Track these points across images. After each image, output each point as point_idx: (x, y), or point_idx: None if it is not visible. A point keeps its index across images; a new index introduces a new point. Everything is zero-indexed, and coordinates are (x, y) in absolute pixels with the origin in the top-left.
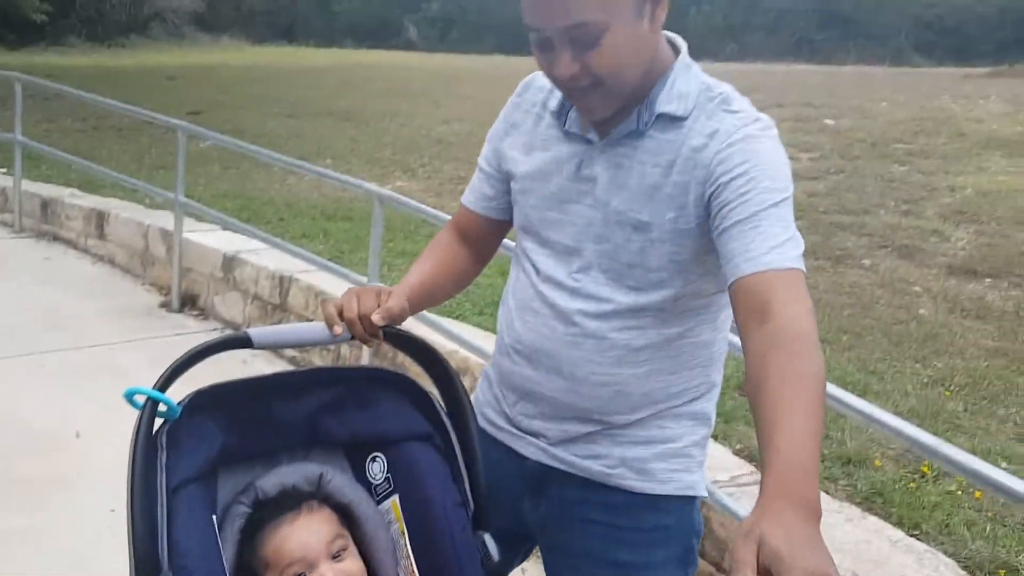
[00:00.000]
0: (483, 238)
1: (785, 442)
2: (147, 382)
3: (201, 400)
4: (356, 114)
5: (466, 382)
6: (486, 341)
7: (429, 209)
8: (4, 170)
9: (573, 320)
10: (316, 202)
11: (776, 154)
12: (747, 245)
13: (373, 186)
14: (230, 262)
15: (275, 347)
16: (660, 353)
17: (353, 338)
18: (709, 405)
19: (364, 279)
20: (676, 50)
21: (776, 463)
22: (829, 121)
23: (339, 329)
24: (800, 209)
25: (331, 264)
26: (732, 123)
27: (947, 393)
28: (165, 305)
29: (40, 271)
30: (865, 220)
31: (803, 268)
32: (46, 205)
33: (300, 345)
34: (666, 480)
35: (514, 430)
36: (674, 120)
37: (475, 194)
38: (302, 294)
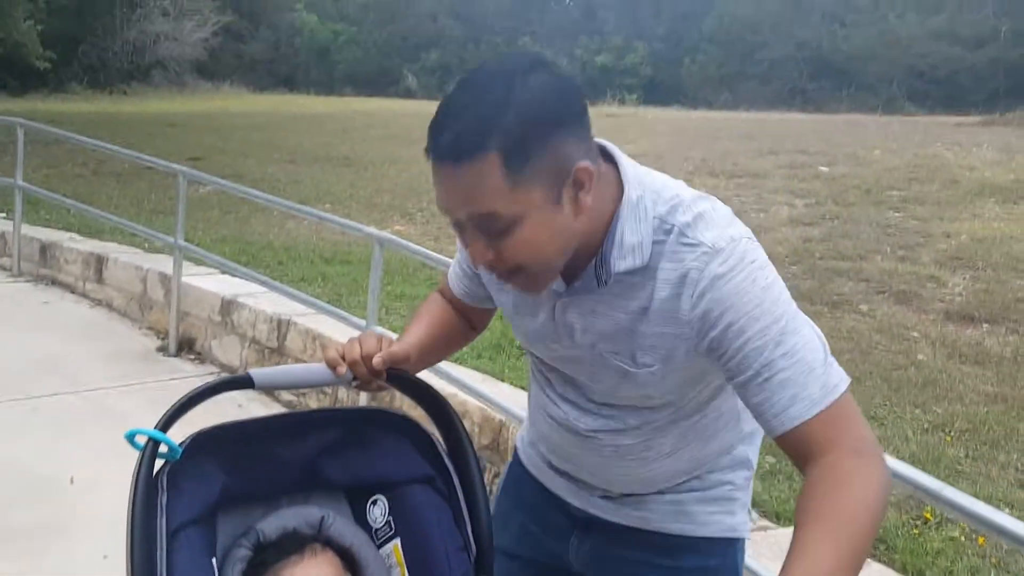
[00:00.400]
0: (475, 316)
1: (802, 571)
2: (143, 426)
3: (201, 441)
4: (355, 160)
5: (465, 424)
6: (484, 384)
7: (430, 252)
8: (3, 215)
9: (587, 436)
10: (315, 246)
11: (751, 285)
12: (769, 400)
13: (373, 229)
14: (228, 306)
15: (276, 388)
16: (681, 441)
17: (355, 380)
18: (748, 448)
19: (363, 322)
20: (621, 179)
21: None
22: (823, 168)
23: (342, 369)
24: (796, 254)
25: (330, 307)
26: (695, 264)
27: (947, 439)
28: (162, 349)
29: (38, 315)
30: (862, 266)
31: (839, 389)
32: (45, 249)
33: (302, 386)
34: (707, 523)
35: (557, 476)
36: (635, 271)
37: (461, 285)
38: (300, 337)
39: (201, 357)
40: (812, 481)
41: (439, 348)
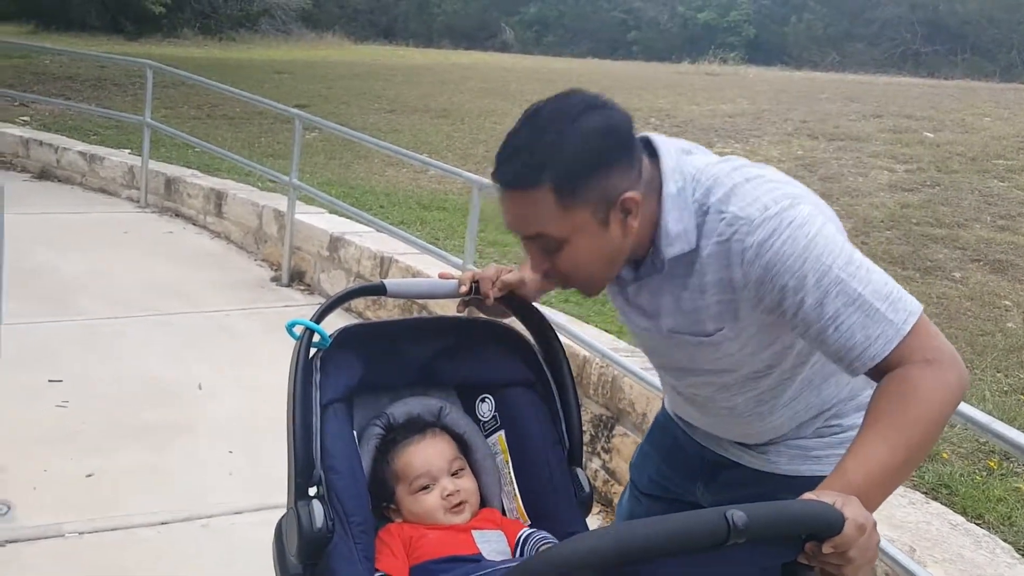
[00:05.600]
0: None
1: (855, 466)
2: (262, 346)
3: (346, 335)
4: (452, 111)
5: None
6: (571, 324)
7: None
8: (129, 151)
9: (696, 395)
10: (413, 193)
11: (792, 246)
12: (844, 347)
13: (472, 175)
14: (336, 242)
15: (405, 296)
16: (793, 392)
17: (471, 294)
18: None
19: (460, 261)
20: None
21: (838, 478)
22: (928, 134)
23: (464, 288)
24: (892, 219)
25: (431, 247)
26: (735, 237)
27: None
28: (275, 279)
29: (163, 243)
30: (959, 233)
31: (909, 321)
32: (170, 183)
33: (426, 297)
34: (833, 463)
35: (695, 426)
36: (684, 254)
37: None
38: (401, 274)
39: (310, 288)
40: (881, 388)
41: None
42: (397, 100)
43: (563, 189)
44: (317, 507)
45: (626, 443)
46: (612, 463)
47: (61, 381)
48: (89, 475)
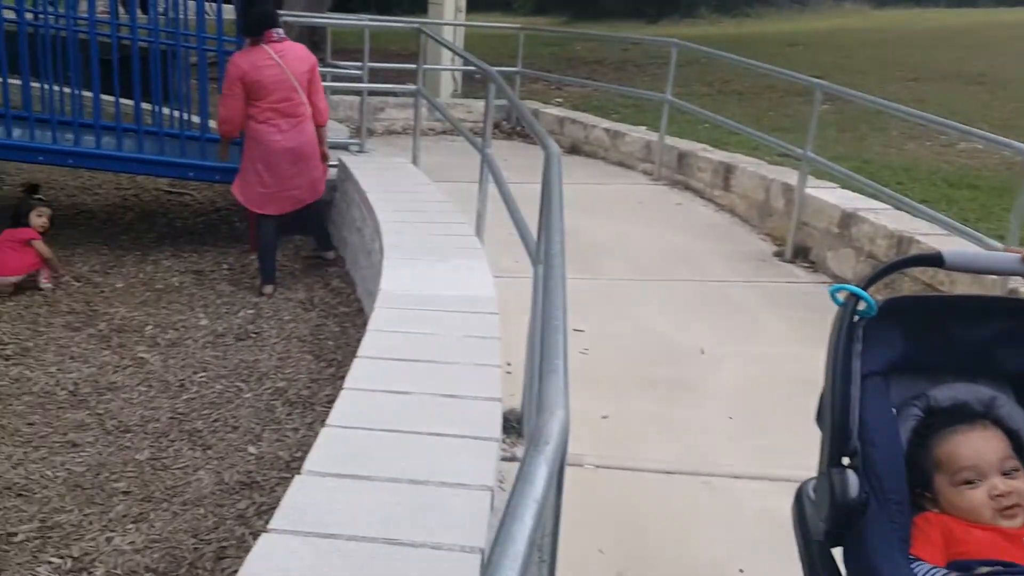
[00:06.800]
0: None
1: None
2: (762, 318)
3: (893, 306)
4: (991, 77)
5: None
6: None
7: None
8: (645, 127)
9: None
10: (938, 169)
11: None
12: None
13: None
14: (848, 219)
15: (965, 270)
16: None
17: None
18: None
19: (999, 244)
20: None
21: None
22: None
23: None
24: None
25: (961, 226)
26: None
27: None
28: (778, 254)
29: (673, 214)
30: None
31: None
32: (681, 157)
33: (990, 272)
34: None
35: None
36: None
37: None
38: None
39: (814, 266)
40: None
41: None
42: (922, 67)
43: None
44: (851, 476)
45: None
46: None
47: (583, 331)
48: (604, 416)
